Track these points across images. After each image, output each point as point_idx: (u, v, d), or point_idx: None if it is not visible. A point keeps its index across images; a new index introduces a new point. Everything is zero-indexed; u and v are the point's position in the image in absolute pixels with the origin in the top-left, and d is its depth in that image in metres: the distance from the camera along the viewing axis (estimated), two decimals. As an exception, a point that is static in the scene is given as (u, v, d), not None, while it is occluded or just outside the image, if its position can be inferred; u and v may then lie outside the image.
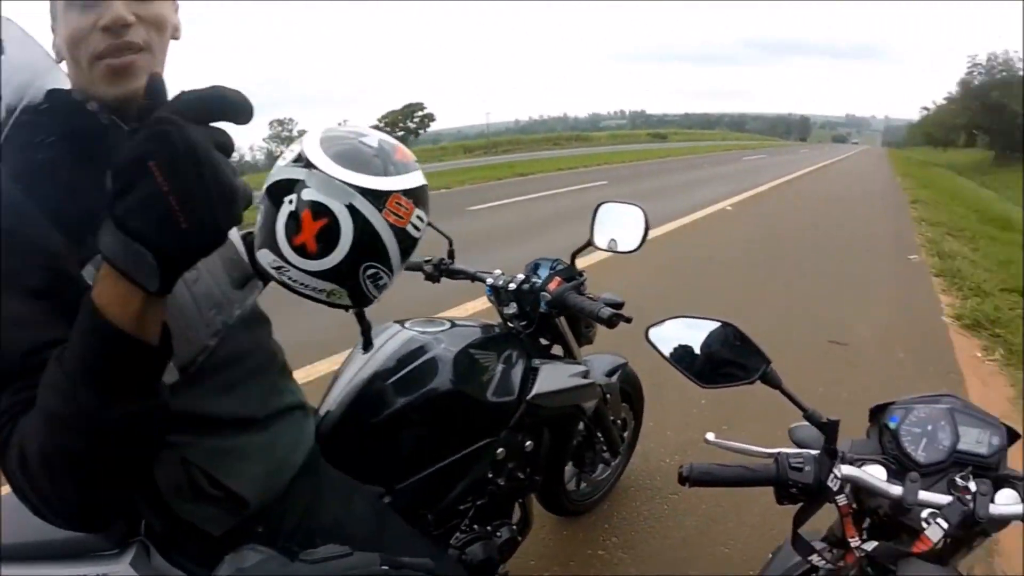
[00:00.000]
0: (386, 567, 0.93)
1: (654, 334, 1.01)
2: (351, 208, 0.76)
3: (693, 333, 0.98)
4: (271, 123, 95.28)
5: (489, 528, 1.51)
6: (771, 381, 0.88)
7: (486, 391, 1.37)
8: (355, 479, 1.17)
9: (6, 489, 0.67)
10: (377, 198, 0.77)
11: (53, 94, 0.79)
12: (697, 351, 0.97)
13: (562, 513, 2.09)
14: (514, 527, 1.59)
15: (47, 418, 0.60)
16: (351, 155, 0.78)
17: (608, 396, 1.88)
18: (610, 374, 1.92)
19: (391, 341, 1.38)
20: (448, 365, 1.32)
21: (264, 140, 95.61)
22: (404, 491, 1.27)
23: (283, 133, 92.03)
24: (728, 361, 0.94)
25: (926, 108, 68.89)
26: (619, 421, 2.08)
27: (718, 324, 0.95)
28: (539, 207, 10.88)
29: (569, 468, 1.99)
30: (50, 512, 0.64)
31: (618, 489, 2.34)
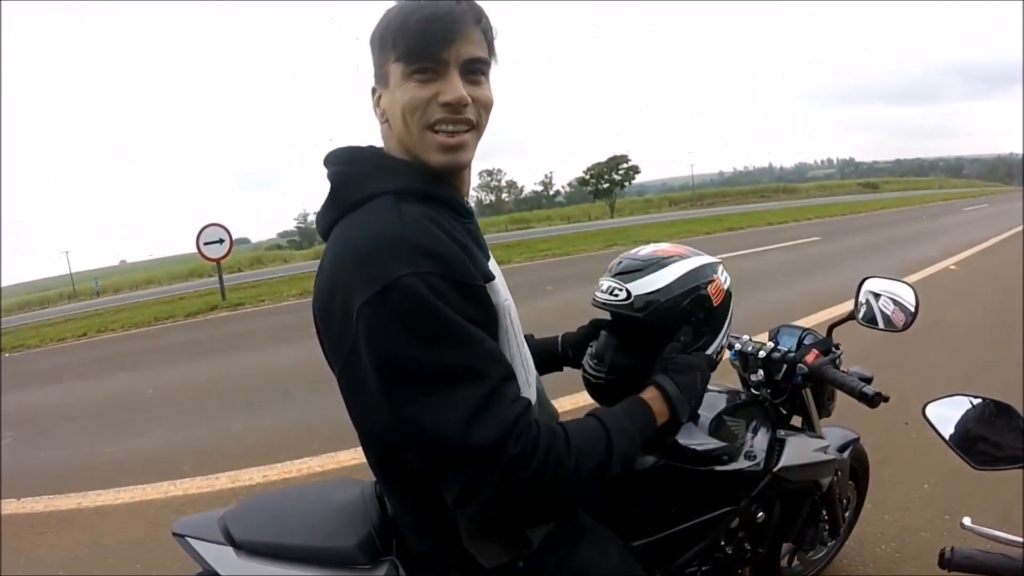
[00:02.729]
0: None
1: (932, 412, 0.98)
2: None
3: (957, 411, 0.96)
4: (480, 173, 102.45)
5: None
6: None
7: (736, 459, 1.34)
8: None
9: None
10: None
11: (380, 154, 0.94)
12: (952, 429, 0.94)
13: (769, 589, 1.95)
14: None
15: (609, 452, 0.86)
16: None
17: (839, 472, 1.74)
18: (842, 449, 1.78)
19: None
20: (702, 430, 1.32)
21: (474, 189, 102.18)
22: (641, 548, 1.27)
23: (492, 183, 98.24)
24: (988, 440, 0.91)
25: None
26: (844, 500, 1.92)
27: (987, 402, 0.93)
28: (753, 264, 10.58)
29: (786, 545, 1.87)
30: (516, 511, 0.80)
31: (828, 572, 2.14)
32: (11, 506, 3.39)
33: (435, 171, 0.89)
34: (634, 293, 1.21)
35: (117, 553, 2.75)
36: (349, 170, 0.91)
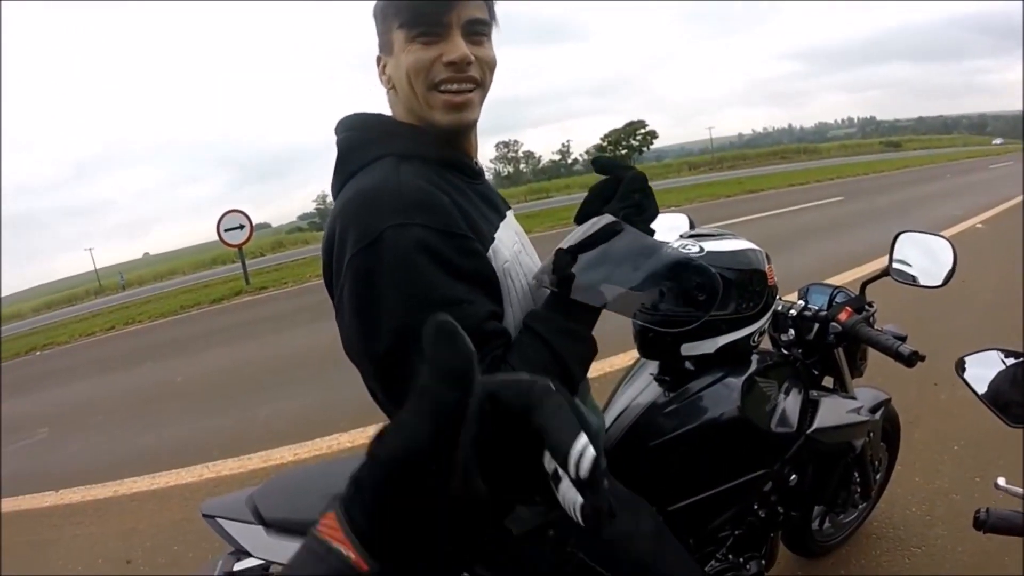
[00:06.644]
0: None
1: (966, 367, 0.98)
2: None
3: (991, 367, 0.94)
4: (496, 145, 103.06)
5: (741, 560, 1.46)
6: None
7: (769, 421, 1.32)
8: None
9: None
10: None
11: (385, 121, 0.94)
12: (986, 385, 0.93)
13: (802, 552, 1.95)
14: (762, 562, 1.53)
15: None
16: None
17: (871, 434, 1.72)
18: (874, 410, 1.75)
19: None
20: (734, 392, 1.29)
21: (491, 161, 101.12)
22: (674, 513, 1.26)
23: (509, 154, 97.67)
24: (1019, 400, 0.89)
25: None
26: (876, 462, 1.90)
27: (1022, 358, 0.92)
28: (775, 226, 10.40)
29: (817, 507, 1.86)
30: None
31: (859, 534, 2.13)
32: (49, 498, 3.49)
33: (442, 132, 0.91)
34: (707, 249, 1.27)
35: (154, 536, 2.83)
36: (355, 136, 0.93)
